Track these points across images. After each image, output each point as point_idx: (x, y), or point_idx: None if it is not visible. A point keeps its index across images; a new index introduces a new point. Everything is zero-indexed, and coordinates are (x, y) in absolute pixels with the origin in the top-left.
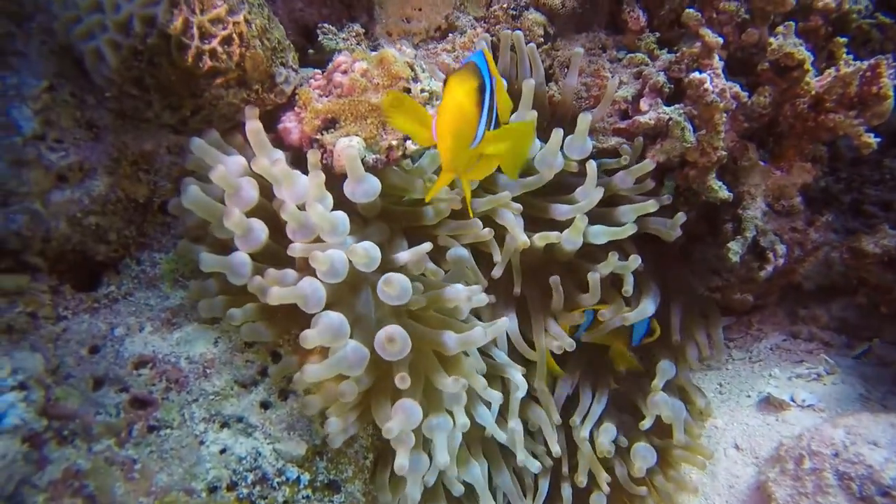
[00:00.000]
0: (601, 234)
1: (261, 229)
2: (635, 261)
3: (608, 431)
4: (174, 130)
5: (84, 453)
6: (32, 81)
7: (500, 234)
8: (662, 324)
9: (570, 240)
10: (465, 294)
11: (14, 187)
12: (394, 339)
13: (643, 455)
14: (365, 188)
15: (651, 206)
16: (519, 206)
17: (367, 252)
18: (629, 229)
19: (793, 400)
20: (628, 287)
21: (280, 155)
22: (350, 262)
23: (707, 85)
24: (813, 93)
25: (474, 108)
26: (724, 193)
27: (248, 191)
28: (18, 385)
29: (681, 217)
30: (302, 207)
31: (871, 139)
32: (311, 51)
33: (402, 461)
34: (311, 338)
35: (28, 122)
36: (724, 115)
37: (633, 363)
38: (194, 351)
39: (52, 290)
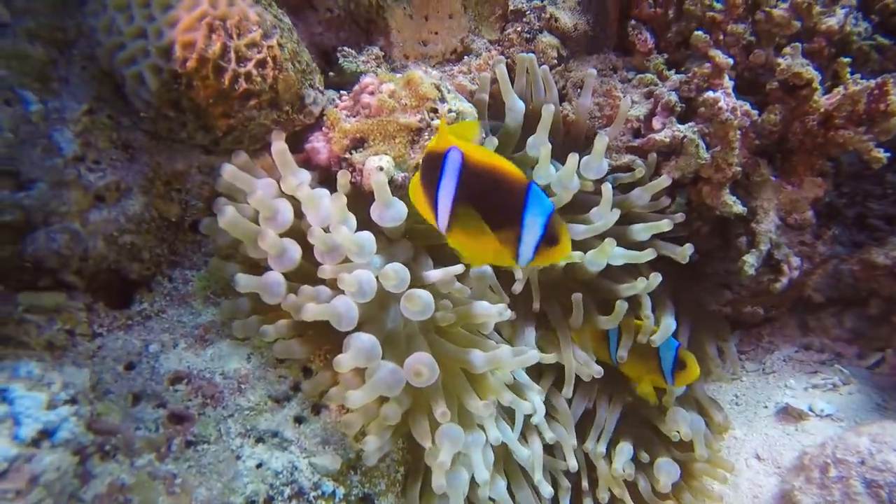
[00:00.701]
0: (620, 257)
1: (294, 250)
2: (656, 278)
3: (623, 452)
4: (205, 151)
5: (127, 468)
6: (74, 105)
7: None
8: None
9: (594, 262)
10: (495, 311)
11: (55, 207)
12: (420, 372)
13: (667, 470)
14: (392, 214)
15: (665, 225)
16: None
17: (398, 274)
18: (648, 255)
19: (811, 410)
20: (647, 311)
21: (307, 176)
22: (378, 279)
23: (721, 103)
24: (822, 110)
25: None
26: (739, 208)
27: (284, 213)
28: (70, 399)
29: (689, 248)
30: (327, 229)
31: (882, 154)
32: (331, 73)
33: (440, 482)
34: (344, 362)
35: (69, 144)
36: (738, 132)
37: (654, 398)
38: (228, 367)
39: (87, 307)
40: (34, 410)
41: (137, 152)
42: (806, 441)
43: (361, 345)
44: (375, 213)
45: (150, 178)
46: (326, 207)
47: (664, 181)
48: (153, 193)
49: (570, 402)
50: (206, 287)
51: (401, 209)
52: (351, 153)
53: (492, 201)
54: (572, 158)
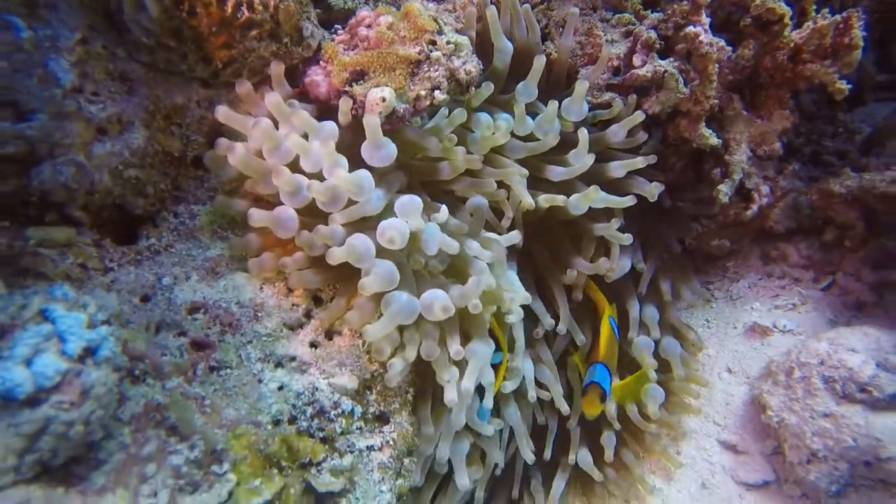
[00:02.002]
0: (601, 201)
1: (307, 183)
2: (627, 239)
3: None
4: (204, 84)
5: (159, 390)
6: (66, 34)
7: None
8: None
9: (577, 206)
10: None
11: (59, 139)
12: (433, 309)
13: (654, 396)
14: (383, 154)
15: (640, 162)
16: (525, 171)
17: (399, 232)
18: (628, 201)
19: (774, 326)
20: (614, 265)
21: (304, 113)
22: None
23: (702, 37)
24: (792, 45)
25: None
26: (714, 140)
27: (286, 147)
28: (106, 321)
29: (658, 186)
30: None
31: (844, 85)
32: (318, 10)
33: (452, 395)
34: (368, 285)
35: (66, 74)
36: (716, 65)
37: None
38: (243, 297)
39: (95, 243)
40: (77, 328)
41: (136, 84)
42: (771, 353)
43: (382, 270)
44: (366, 153)
45: (150, 111)
46: (317, 153)
47: (638, 116)
48: (154, 127)
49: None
50: (212, 221)
51: (391, 149)
52: (351, 86)
53: None
54: (552, 105)
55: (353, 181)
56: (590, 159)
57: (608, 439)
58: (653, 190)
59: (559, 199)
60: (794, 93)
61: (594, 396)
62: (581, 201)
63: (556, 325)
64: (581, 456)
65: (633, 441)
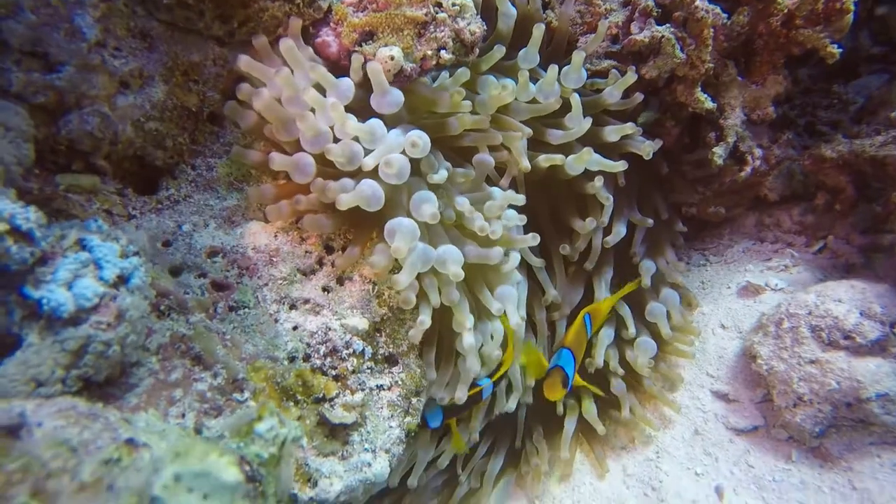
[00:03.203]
0: (595, 163)
1: (329, 133)
2: (608, 199)
3: (607, 335)
4: (219, 42)
5: (183, 324)
6: None
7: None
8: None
9: (573, 167)
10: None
11: (85, 90)
12: (447, 265)
13: (645, 348)
14: (389, 100)
15: (629, 128)
16: (529, 130)
17: (421, 139)
18: (620, 166)
19: (767, 285)
20: (605, 217)
21: (321, 69)
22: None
23: (698, 3)
24: (785, 11)
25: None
26: (710, 104)
27: (303, 98)
28: (136, 252)
29: (651, 145)
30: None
31: (836, 49)
32: None
33: (469, 341)
34: (401, 247)
35: (90, 29)
36: (712, 30)
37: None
38: (259, 243)
39: (118, 192)
40: (111, 257)
41: (155, 41)
42: (763, 309)
43: (406, 227)
44: (375, 101)
45: (169, 67)
46: (329, 110)
47: (630, 77)
48: (173, 83)
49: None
50: (229, 174)
51: (397, 95)
52: (361, 46)
53: None
54: (552, 69)
55: (364, 129)
56: (586, 123)
57: (618, 387)
58: (646, 147)
59: (557, 159)
60: (788, 58)
61: (556, 380)
62: (576, 161)
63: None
64: (586, 407)
65: (631, 389)
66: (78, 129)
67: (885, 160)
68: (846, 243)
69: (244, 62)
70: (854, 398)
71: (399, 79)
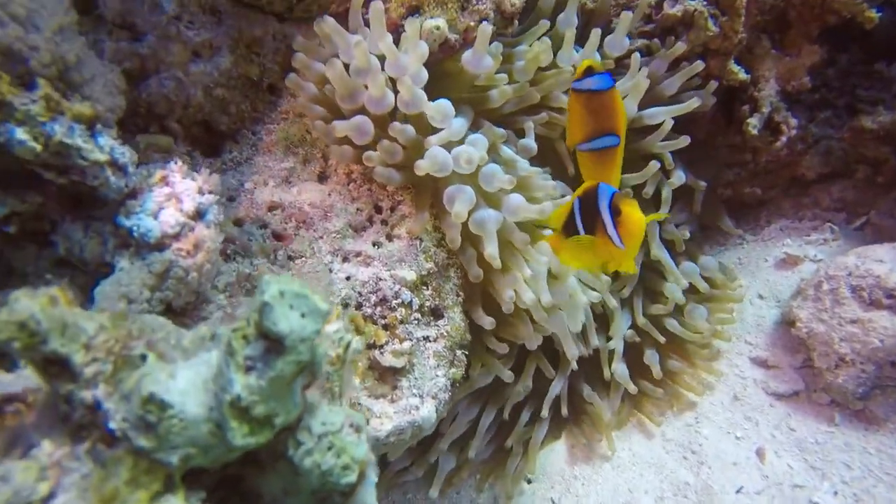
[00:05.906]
0: (658, 115)
1: (392, 97)
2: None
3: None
4: (279, 19)
5: (247, 265)
6: None
7: None
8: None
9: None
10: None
11: (163, 58)
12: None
13: (695, 314)
14: (420, 50)
15: (686, 107)
16: (571, 69)
17: (471, 156)
18: (690, 105)
19: (805, 256)
20: (669, 161)
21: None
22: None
23: None
24: None
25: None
26: (743, 75)
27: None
28: (210, 191)
29: (695, 101)
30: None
31: (874, 13)
32: None
33: (528, 296)
34: (462, 212)
35: (169, 3)
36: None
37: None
38: (314, 199)
39: (188, 154)
40: (190, 192)
41: (223, 16)
42: (801, 277)
43: (466, 194)
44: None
45: (235, 39)
46: (404, 62)
47: (679, 48)
48: (238, 54)
49: None
50: (286, 139)
51: (423, 46)
52: (407, 19)
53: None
54: (594, 35)
55: (437, 109)
56: (642, 75)
57: (652, 357)
58: (691, 104)
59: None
60: (824, 28)
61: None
62: (633, 93)
63: None
64: (619, 370)
65: (673, 354)
66: (156, 92)
67: None
68: (890, 217)
69: (330, 24)
70: None
71: (444, 49)
